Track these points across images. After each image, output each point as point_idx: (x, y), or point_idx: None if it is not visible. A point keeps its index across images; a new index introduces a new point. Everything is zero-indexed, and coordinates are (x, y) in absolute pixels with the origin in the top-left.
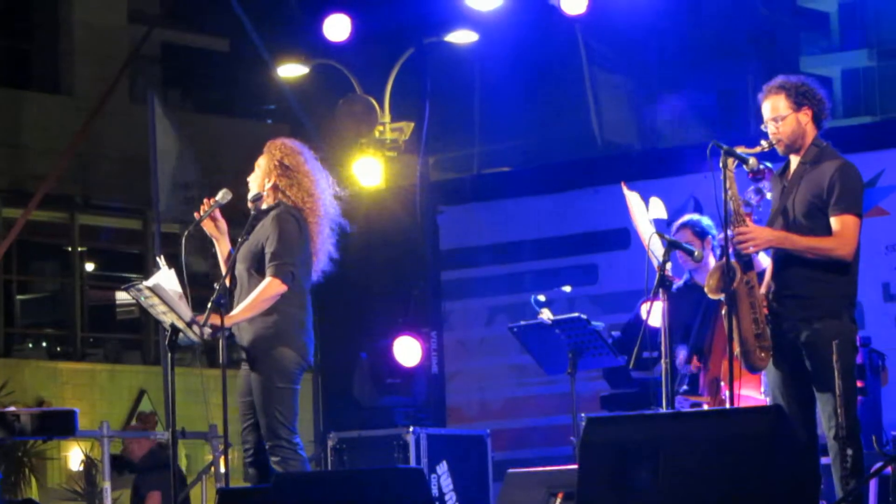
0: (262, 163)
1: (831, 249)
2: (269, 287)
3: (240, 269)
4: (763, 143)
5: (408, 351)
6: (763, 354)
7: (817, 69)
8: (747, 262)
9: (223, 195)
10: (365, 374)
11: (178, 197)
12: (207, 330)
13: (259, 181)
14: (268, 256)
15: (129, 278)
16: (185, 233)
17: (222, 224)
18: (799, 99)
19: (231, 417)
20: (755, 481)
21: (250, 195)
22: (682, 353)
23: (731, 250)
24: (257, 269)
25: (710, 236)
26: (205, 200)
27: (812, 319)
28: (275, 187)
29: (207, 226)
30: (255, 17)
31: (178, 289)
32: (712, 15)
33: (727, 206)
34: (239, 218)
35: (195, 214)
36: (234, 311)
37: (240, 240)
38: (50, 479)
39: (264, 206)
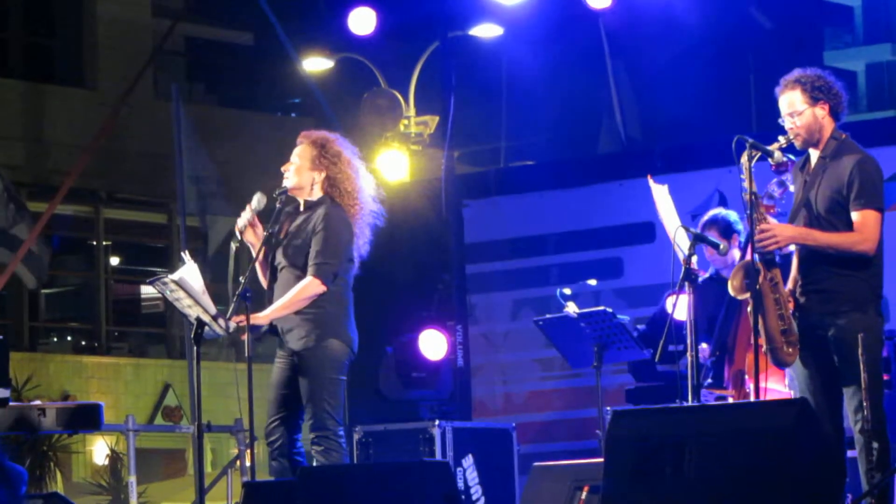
0: (303, 153)
1: (853, 244)
2: (309, 287)
3: (280, 261)
4: (781, 138)
5: (433, 344)
6: (790, 350)
7: (841, 63)
8: (770, 260)
9: (258, 201)
10: (390, 367)
11: (192, 191)
12: (233, 324)
13: (302, 173)
14: (312, 254)
15: (154, 272)
16: (233, 248)
17: (260, 230)
18: (815, 93)
19: (256, 411)
20: (780, 474)
21: (283, 185)
22: (704, 348)
23: (753, 248)
24: (302, 265)
25: (735, 233)
26: (247, 208)
27: (837, 313)
28: (326, 178)
29: (247, 235)
30: (280, 11)
31: (202, 284)
32: (736, 9)
33: (750, 201)
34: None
35: (236, 229)
36: (271, 308)
37: (268, 232)
38: (75, 473)
39: (312, 199)
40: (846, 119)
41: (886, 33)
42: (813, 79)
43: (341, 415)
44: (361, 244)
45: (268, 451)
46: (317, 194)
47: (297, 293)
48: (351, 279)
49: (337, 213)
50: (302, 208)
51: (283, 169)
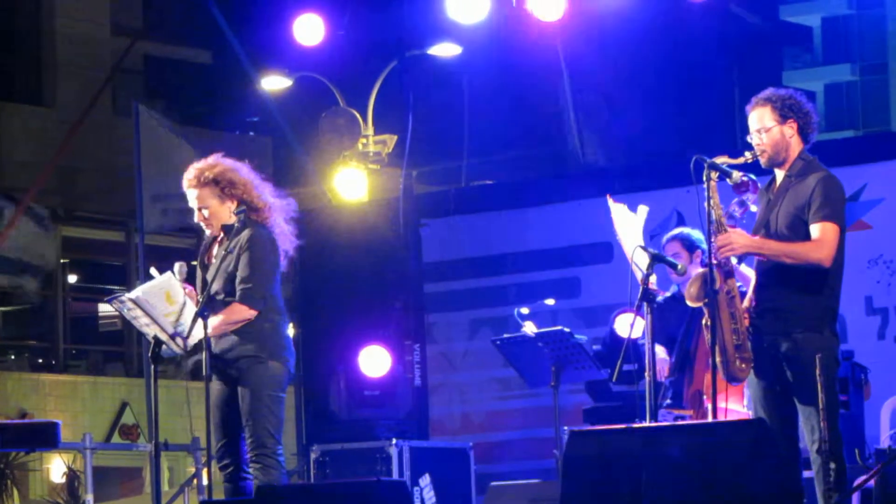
0: (205, 197)
1: (808, 251)
2: (236, 312)
3: (215, 288)
4: (747, 154)
5: (374, 361)
6: (743, 365)
7: (800, 83)
8: (728, 272)
9: (180, 271)
10: (340, 386)
11: (154, 209)
12: (191, 342)
13: (218, 215)
14: (238, 279)
15: (112, 290)
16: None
17: (191, 290)
18: (784, 111)
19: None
20: (738, 495)
21: (209, 235)
22: (662, 356)
23: (713, 261)
24: (231, 292)
25: (699, 249)
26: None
27: (792, 333)
28: (239, 202)
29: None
30: (238, 30)
31: (179, 290)
32: (694, 29)
33: (710, 216)
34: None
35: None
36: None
37: (203, 264)
38: (32, 492)
39: (229, 224)
40: None
41: (845, 54)
42: (783, 97)
43: (281, 432)
44: (288, 245)
45: (220, 475)
46: (232, 218)
47: (225, 318)
48: (281, 297)
49: (259, 234)
50: (220, 234)
51: (197, 221)
